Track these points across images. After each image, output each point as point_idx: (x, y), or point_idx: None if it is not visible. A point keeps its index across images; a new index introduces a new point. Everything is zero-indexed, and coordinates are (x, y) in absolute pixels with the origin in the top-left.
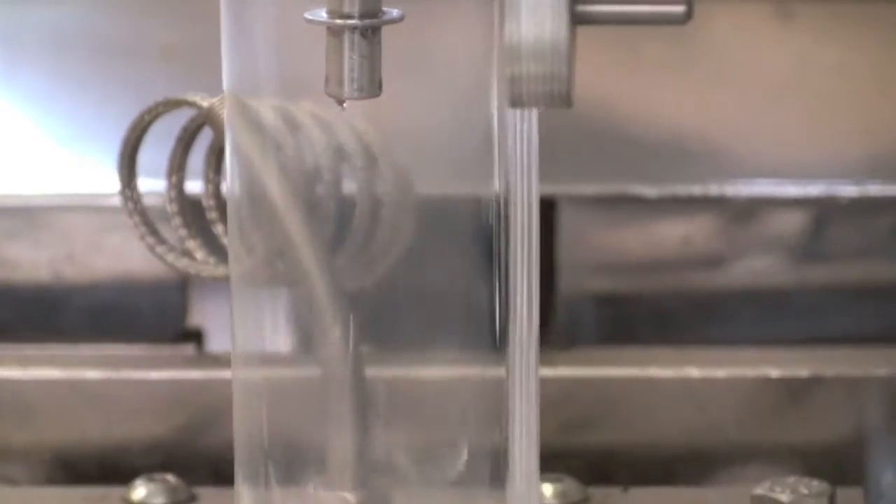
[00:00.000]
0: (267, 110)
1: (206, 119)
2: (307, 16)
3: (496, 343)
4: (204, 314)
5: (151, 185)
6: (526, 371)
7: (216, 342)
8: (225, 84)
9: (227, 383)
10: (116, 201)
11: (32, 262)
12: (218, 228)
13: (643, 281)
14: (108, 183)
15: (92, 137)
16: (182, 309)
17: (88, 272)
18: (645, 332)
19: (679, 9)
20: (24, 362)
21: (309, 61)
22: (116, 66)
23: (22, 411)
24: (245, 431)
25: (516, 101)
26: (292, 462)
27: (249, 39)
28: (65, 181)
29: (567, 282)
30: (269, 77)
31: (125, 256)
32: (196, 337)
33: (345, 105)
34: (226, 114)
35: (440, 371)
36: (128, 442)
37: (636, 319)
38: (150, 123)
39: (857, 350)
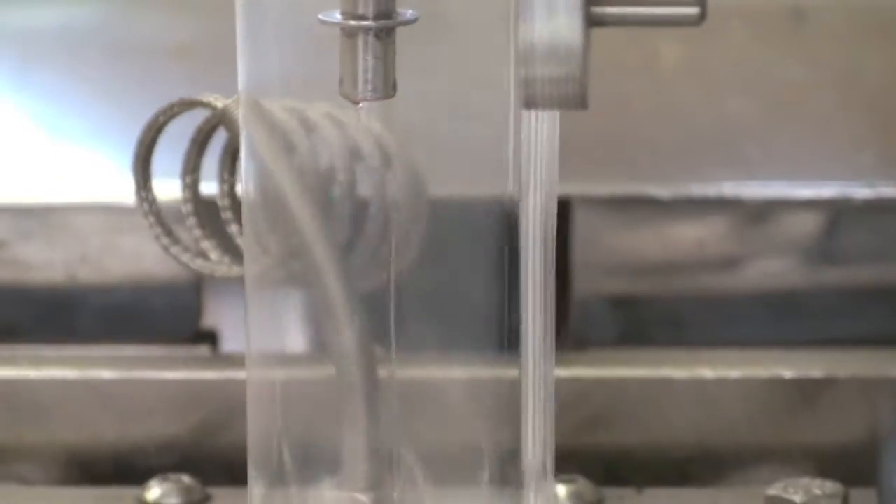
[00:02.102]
0: (282, 111)
1: (220, 120)
2: (321, 17)
3: (511, 344)
4: (218, 315)
5: (165, 185)
6: (541, 372)
7: (231, 343)
8: (240, 85)
9: (242, 384)
10: (130, 202)
11: (46, 263)
12: (233, 228)
13: (657, 282)
14: (122, 183)
15: (106, 137)
16: (196, 309)
17: (103, 273)
18: (659, 333)
19: (692, 10)
20: (38, 362)
21: (324, 62)
22: (130, 65)
23: (36, 411)
24: (259, 431)
25: (530, 103)
26: (306, 462)
27: (265, 41)
28: (78, 181)
29: (581, 282)
30: (284, 78)
31: (140, 257)
32: (211, 337)
33: (360, 105)
34: (241, 115)
35: (454, 372)
36: (142, 442)
37: (650, 321)
38: (164, 124)
39: (870, 351)
